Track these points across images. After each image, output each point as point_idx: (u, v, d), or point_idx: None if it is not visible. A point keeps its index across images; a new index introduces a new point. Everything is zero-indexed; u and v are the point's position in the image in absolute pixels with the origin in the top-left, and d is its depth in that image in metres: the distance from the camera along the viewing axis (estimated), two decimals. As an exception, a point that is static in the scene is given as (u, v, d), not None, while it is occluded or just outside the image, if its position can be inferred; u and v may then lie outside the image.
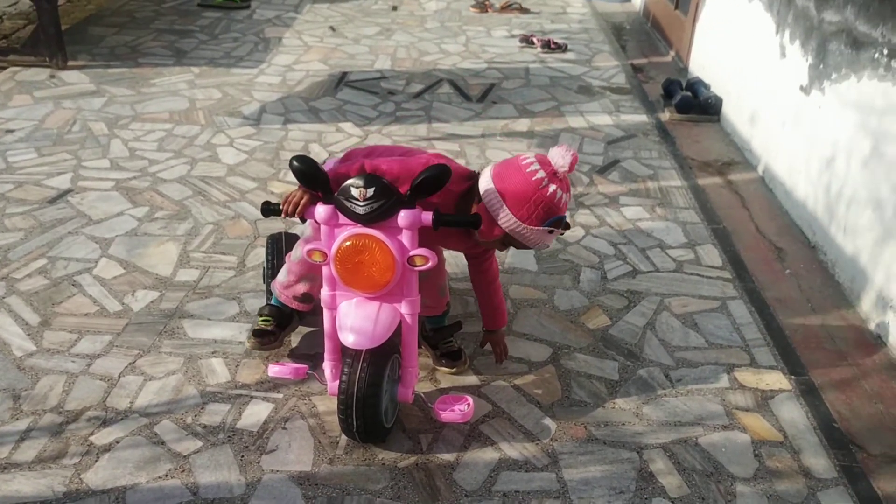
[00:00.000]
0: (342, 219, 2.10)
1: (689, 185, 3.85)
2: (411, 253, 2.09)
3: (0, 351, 2.56)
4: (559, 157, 2.11)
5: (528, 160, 2.14)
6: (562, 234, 2.26)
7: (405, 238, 2.09)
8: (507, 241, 2.21)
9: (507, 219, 2.13)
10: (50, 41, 4.82)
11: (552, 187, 2.10)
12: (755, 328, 2.84)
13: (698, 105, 4.62)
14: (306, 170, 2.05)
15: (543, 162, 2.13)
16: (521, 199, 2.10)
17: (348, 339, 2.09)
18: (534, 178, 2.10)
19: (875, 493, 2.20)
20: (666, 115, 4.64)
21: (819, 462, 2.29)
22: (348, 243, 2.08)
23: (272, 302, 2.59)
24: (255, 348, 2.53)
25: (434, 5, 6.74)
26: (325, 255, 2.11)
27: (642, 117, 4.61)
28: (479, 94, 4.84)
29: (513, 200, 2.11)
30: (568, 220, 2.21)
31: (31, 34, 5.02)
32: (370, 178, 2.05)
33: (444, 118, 4.46)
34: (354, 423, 2.13)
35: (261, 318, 2.57)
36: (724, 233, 3.46)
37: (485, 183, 2.17)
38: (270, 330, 2.54)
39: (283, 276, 2.52)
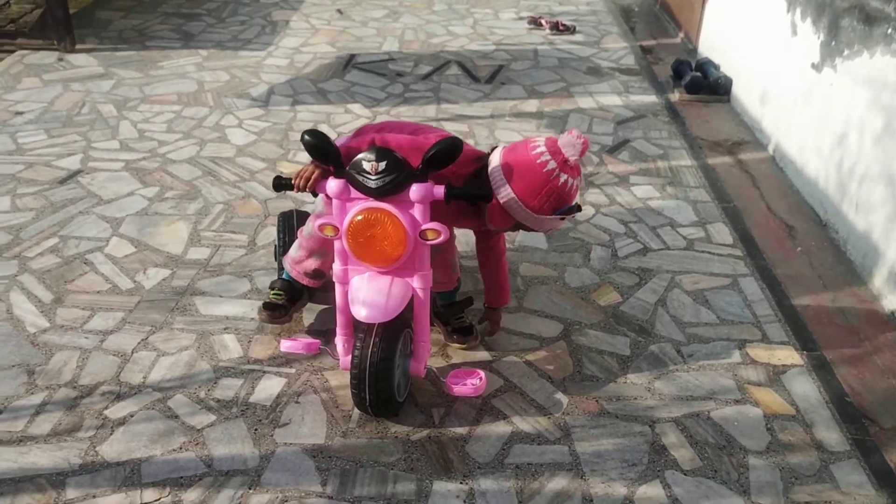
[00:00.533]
0: (354, 193, 2.09)
1: (700, 164, 3.84)
2: (423, 227, 2.09)
3: (14, 327, 2.57)
4: (570, 146, 2.09)
5: (538, 149, 2.12)
6: (573, 218, 2.27)
7: (417, 212, 2.09)
8: (518, 226, 2.21)
9: (519, 209, 2.13)
10: (58, 24, 4.81)
11: (563, 177, 2.10)
12: (766, 305, 2.84)
13: (708, 85, 4.59)
14: (318, 143, 2.05)
15: (553, 150, 2.11)
16: (533, 190, 2.10)
17: (361, 313, 2.09)
18: (545, 170, 2.09)
19: (888, 465, 2.20)
20: (675, 96, 4.62)
21: (831, 435, 2.29)
22: (360, 217, 2.08)
23: (283, 276, 2.59)
24: (266, 321, 2.53)
25: (441, -12, 6.70)
26: (336, 229, 2.11)
27: (652, 98, 4.59)
28: (487, 75, 4.82)
29: (524, 191, 2.10)
30: (579, 201, 2.22)
31: (39, 18, 5.02)
32: (382, 152, 2.05)
33: (452, 99, 4.45)
34: (367, 397, 2.14)
35: (272, 292, 2.57)
36: (734, 211, 3.45)
37: (495, 172, 2.15)
38: (281, 304, 2.54)
39: (294, 251, 2.52)
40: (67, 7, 4.89)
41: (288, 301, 2.56)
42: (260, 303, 2.70)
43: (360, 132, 2.37)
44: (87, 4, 5.83)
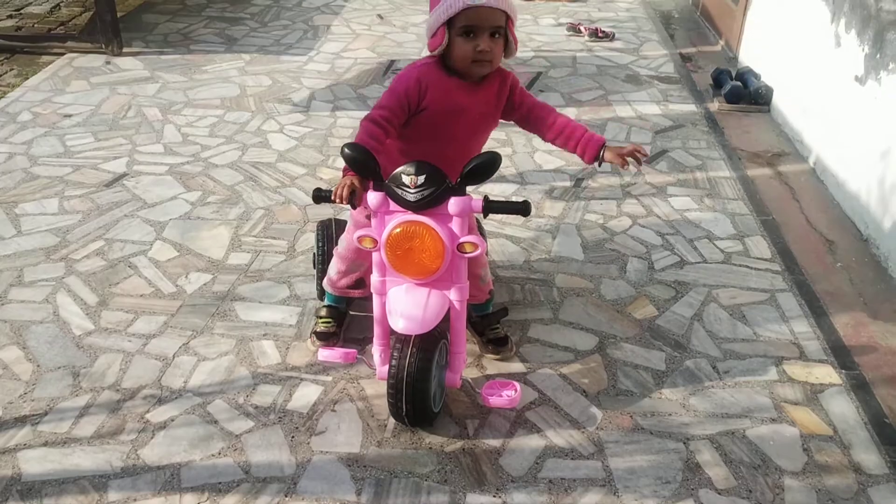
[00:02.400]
0: (393, 205, 2.12)
1: (738, 175, 3.81)
2: (461, 240, 2.11)
3: (60, 329, 2.64)
4: None
5: None
6: None
7: (455, 225, 2.11)
8: (461, 32, 2.15)
9: (431, 19, 2.18)
10: (106, 28, 4.92)
11: None
12: (804, 322, 2.81)
13: (748, 95, 4.55)
14: (358, 156, 2.08)
15: None
16: (433, 3, 2.15)
17: (398, 325, 2.12)
18: None
19: (927, 490, 2.18)
20: (715, 105, 4.58)
21: (870, 458, 2.26)
22: (399, 230, 2.10)
23: (328, 302, 2.63)
24: (325, 346, 2.51)
25: (481, -7, 6.71)
26: (375, 241, 2.14)
27: (691, 107, 4.56)
28: (526, 82, 4.82)
29: (431, 10, 2.16)
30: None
31: (89, 21, 5.14)
32: (421, 166, 2.07)
33: (490, 106, 4.46)
34: (404, 407, 2.16)
35: (321, 320, 2.60)
36: (773, 224, 3.42)
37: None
38: (333, 332, 2.59)
39: (332, 271, 2.54)
40: (116, 11, 5.00)
41: (337, 326, 2.60)
42: (298, 309, 2.75)
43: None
44: (134, 8, 5.95)
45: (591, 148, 2.32)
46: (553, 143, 2.40)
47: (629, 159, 2.31)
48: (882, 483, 2.18)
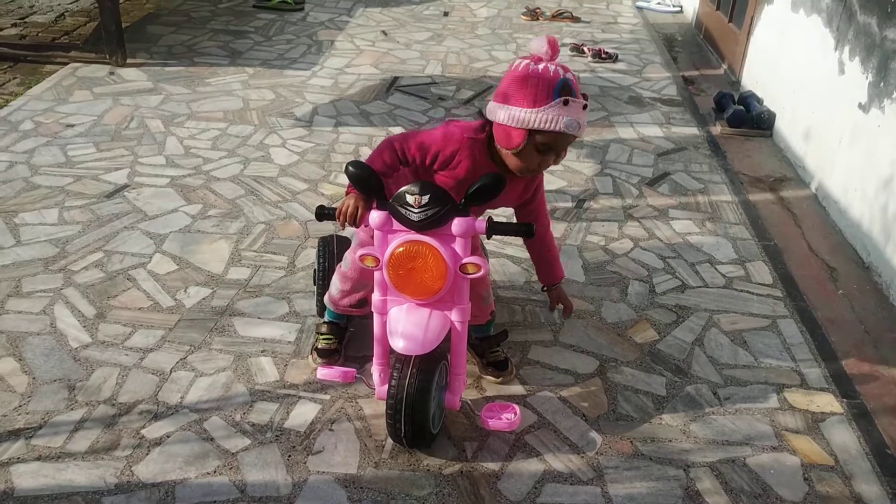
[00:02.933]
0: (396, 225, 2.11)
1: (740, 200, 3.81)
2: (464, 261, 2.10)
3: (57, 341, 2.62)
4: (536, 45, 2.08)
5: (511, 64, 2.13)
6: (585, 106, 2.07)
7: (458, 246, 2.10)
8: (539, 146, 2.10)
9: (517, 115, 2.06)
10: (111, 39, 4.93)
11: (540, 65, 2.06)
12: (806, 348, 2.80)
13: (751, 119, 4.56)
14: (362, 174, 2.07)
15: (522, 57, 2.13)
16: (518, 89, 2.05)
17: (398, 345, 2.10)
18: (518, 69, 2.08)
19: (928, 523, 2.16)
20: (717, 129, 4.59)
21: (871, 489, 2.24)
22: (401, 249, 2.09)
23: (328, 318, 2.61)
24: (322, 366, 2.50)
25: (485, 12, 6.75)
26: (377, 259, 2.13)
27: (693, 130, 4.57)
28: (528, 101, 4.82)
29: (513, 97, 2.06)
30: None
31: (93, 31, 5.16)
32: (425, 186, 2.06)
33: (493, 125, 4.46)
34: (403, 428, 2.14)
35: (322, 337, 2.59)
36: (775, 250, 3.41)
37: (489, 106, 2.15)
38: (335, 349, 2.57)
39: (335, 288, 2.53)
40: (121, 22, 5.01)
41: (339, 343, 2.59)
42: (297, 326, 2.74)
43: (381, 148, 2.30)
44: (139, 19, 5.97)
45: (546, 277, 2.55)
46: (528, 249, 2.54)
47: (558, 307, 2.58)
48: (883, 515, 2.17)
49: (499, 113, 2.10)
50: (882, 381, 2.68)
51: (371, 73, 5.16)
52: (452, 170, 2.20)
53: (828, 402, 2.56)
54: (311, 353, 2.58)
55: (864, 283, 3.22)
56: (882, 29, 3.39)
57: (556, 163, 2.18)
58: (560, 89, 2.03)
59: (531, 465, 2.25)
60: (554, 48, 2.08)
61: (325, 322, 2.62)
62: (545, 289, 2.57)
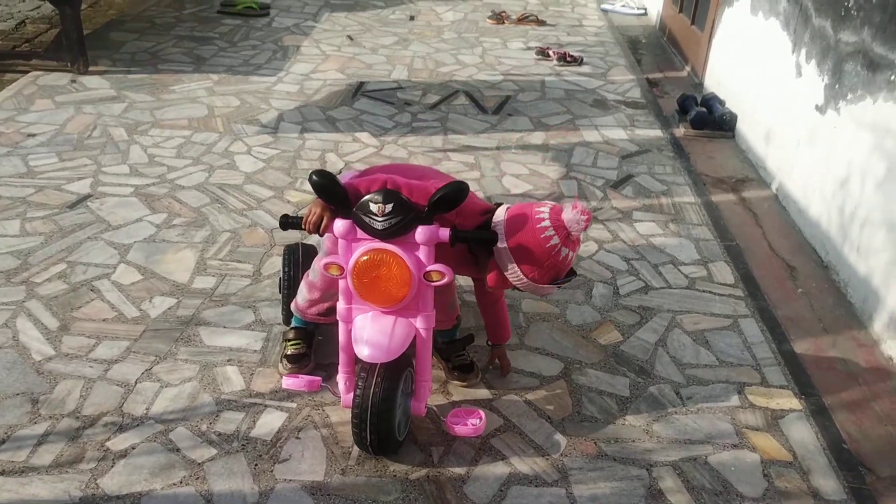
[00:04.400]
0: (360, 233, 2.13)
1: (703, 201, 3.87)
2: (428, 268, 2.12)
3: (20, 355, 2.60)
4: (574, 222, 2.11)
5: (542, 221, 2.12)
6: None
7: (422, 254, 2.12)
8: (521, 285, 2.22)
9: (517, 277, 2.17)
10: (72, 46, 4.88)
11: (564, 252, 2.13)
12: (766, 347, 2.86)
13: (713, 121, 4.63)
14: (326, 184, 2.08)
15: (557, 224, 2.11)
16: (534, 262, 2.13)
17: (364, 353, 2.12)
18: (548, 245, 2.11)
19: (884, 516, 2.21)
20: (681, 131, 4.65)
21: (828, 483, 2.30)
22: (365, 258, 2.11)
23: (296, 324, 2.62)
24: (291, 372, 2.51)
25: (451, 16, 6.78)
26: (342, 268, 2.14)
27: (657, 132, 4.63)
28: (494, 106, 4.87)
29: (525, 262, 2.14)
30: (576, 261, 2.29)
31: (54, 39, 5.09)
32: (389, 194, 2.08)
33: (459, 130, 4.49)
34: (368, 436, 2.16)
35: (291, 344, 2.59)
36: (736, 250, 3.47)
37: (499, 232, 2.17)
38: (304, 353, 2.57)
39: (302, 297, 2.53)
40: (82, 29, 4.96)
41: (308, 347, 2.59)
42: (263, 334, 2.74)
43: (367, 172, 2.40)
44: (101, 26, 5.91)
45: (494, 336, 2.61)
46: (481, 309, 2.61)
47: (495, 362, 2.65)
48: (840, 509, 2.22)
49: (504, 261, 2.17)
50: (839, 378, 2.75)
51: (337, 79, 5.16)
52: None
53: (787, 400, 2.61)
54: (281, 361, 2.58)
55: (822, 282, 3.28)
56: (836, 32, 3.46)
57: None
58: (562, 280, 2.20)
59: (497, 469, 2.27)
60: (586, 226, 2.14)
61: (292, 328, 2.63)
62: (489, 344, 2.63)
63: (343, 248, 2.16)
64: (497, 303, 2.54)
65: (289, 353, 2.58)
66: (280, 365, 2.58)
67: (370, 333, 2.14)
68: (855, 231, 3.15)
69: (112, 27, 5.90)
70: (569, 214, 2.12)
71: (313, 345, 2.64)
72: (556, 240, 2.11)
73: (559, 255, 2.12)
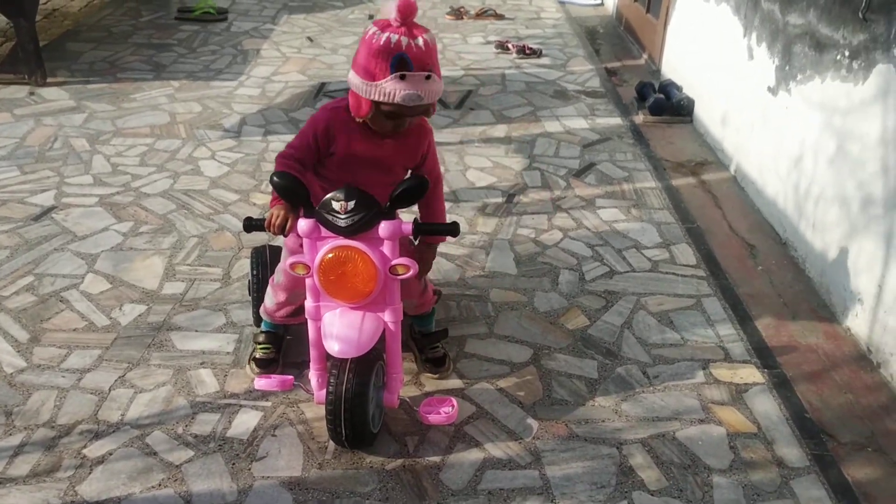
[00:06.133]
0: (324, 231, 2.16)
1: (664, 185, 3.94)
2: (393, 262, 2.16)
3: (-9, 368, 2.60)
4: (386, 9, 2.08)
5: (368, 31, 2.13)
6: (428, 77, 2.08)
7: (386, 248, 2.16)
8: (387, 114, 2.14)
9: (360, 86, 2.10)
10: (29, 58, 4.84)
11: (384, 35, 2.06)
12: (729, 324, 2.93)
13: (671, 107, 4.71)
14: (287, 185, 2.11)
15: (379, 23, 2.11)
16: (363, 59, 2.09)
17: (334, 349, 2.15)
18: (367, 36, 2.09)
19: (845, 479, 2.29)
20: (640, 118, 4.73)
21: (792, 452, 2.38)
22: (331, 255, 2.14)
23: (265, 328, 2.64)
24: (260, 375, 2.50)
25: (410, 13, 6.79)
26: (308, 267, 2.17)
27: (617, 120, 4.70)
28: (456, 101, 4.91)
29: (359, 67, 2.10)
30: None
31: (10, 52, 5.05)
32: (350, 191, 2.12)
33: (422, 126, 4.52)
34: (343, 431, 2.19)
35: (260, 347, 2.61)
36: (697, 232, 3.55)
37: (349, 74, 2.17)
38: (273, 357, 2.60)
39: (269, 301, 2.56)
40: (38, 40, 4.92)
41: (276, 352, 2.62)
42: (235, 336, 2.76)
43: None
44: (57, 37, 5.87)
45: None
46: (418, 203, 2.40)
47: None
48: (803, 475, 2.29)
49: (351, 81, 2.15)
50: (800, 350, 2.83)
51: (298, 80, 5.17)
52: (336, 147, 2.24)
53: (750, 374, 2.69)
54: (249, 363, 2.61)
55: (781, 259, 3.37)
56: (784, 15, 3.55)
57: (428, 115, 2.25)
58: (396, 64, 2.04)
59: (471, 455, 2.32)
60: (404, 11, 2.04)
61: (262, 332, 2.66)
62: (425, 243, 2.46)
63: (308, 246, 2.19)
64: (435, 188, 2.43)
65: (257, 356, 2.61)
66: (248, 367, 2.61)
67: (339, 329, 2.17)
68: (810, 208, 3.24)
69: (68, 38, 5.86)
70: (384, 7, 2.09)
71: (282, 348, 2.66)
72: (373, 29, 2.09)
73: (379, 40, 2.05)
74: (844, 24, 3.02)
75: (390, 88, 2.06)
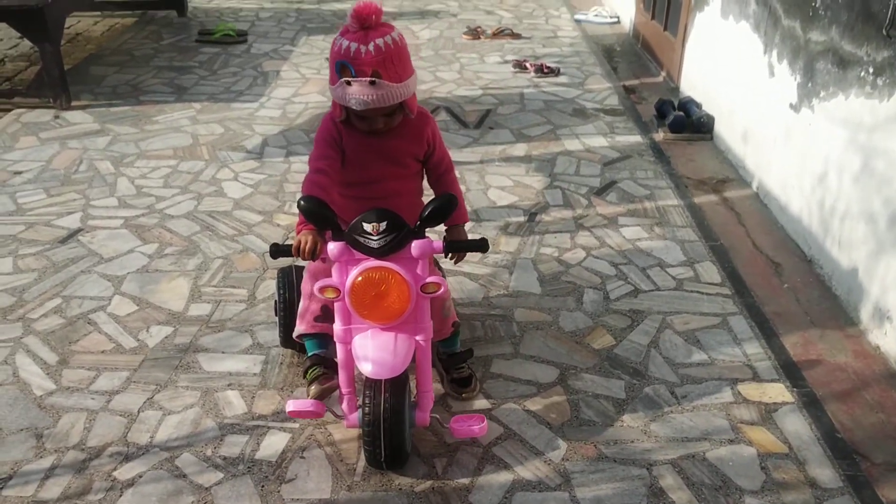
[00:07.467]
0: (355, 253, 2.17)
1: (686, 203, 3.94)
2: (426, 280, 2.16)
3: (21, 391, 2.62)
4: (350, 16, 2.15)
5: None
6: (372, 82, 2.10)
7: (419, 267, 2.17)
8: (357, 114, 2.22)
9: (330, 91, 2.22)
10: (54, 82, 4.91)
11: (338, 41, 2.14)
12: (756, 343, 2.91)
13: (691, 124, 4.71)
14: (314, 209, 2.11)
15: (344, 27, 2.18)
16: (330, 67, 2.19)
17: (368, 370, 2.14)
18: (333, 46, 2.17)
19: (880, 500, 2.26)
20: (660, 135, 4.73)
21: (824, 472, 2.35)
22: (361, 278, 2.14)
23: (311, 351, 2.54)
24: (320, 394, 2.43)
25: (427, 34, 6.85)
26: (338, 290, 2.17)
27: (637, 138, 4.70)
28: (475, 120, 4.93)
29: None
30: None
31: (35, 76, 5.12)
32: (381, 213, 2.13)
33: (442, 145, 4.54)
34: (382, 452, 2.19)
35: (310, 371, 2.49)
36: (721, 249, 3.53)
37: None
38: (326, 373, 2.48)
39: (300, 321, 2.51)
40: (63, 65, 4.99)
41: (328, 368, 2.49)
42: (262, 357, 2.77)
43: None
44: (81, 60, 5.94)
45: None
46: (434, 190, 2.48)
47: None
48: (837, 496, 2.27)
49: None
50: (828, 368, 2.81)
51: (318, 101, 5.21)
52: (345, 145, 2.31)
53: (779, 393, 2.67)
54: (308, 388, 2.48)
55: (807, 276, 3.35)
56: (805, 32, 3.55)
57: (405, 115, 2.29)
58: (339, 71, 2.13)
59: (500, 476, 2.31)
60: (357, 17, 2.10)
61: (307, 357, 2.54)
62: (447, 228, 2.48)
63: (337, 270, 2.19)
64: (447, 174, 2.48)
65: (312, 376, 2.49)
66: (308, 390, 2.47)
67: (372, 351, 2.16)
68: (836, 224, 3.22)
69: (92, 61, 5.93)
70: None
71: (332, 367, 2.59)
72: (336, 36, 2.16)
73: (335, 45, 2.13)
74: (868, 41, 3.01)
75: (340, 93, 2.16)
